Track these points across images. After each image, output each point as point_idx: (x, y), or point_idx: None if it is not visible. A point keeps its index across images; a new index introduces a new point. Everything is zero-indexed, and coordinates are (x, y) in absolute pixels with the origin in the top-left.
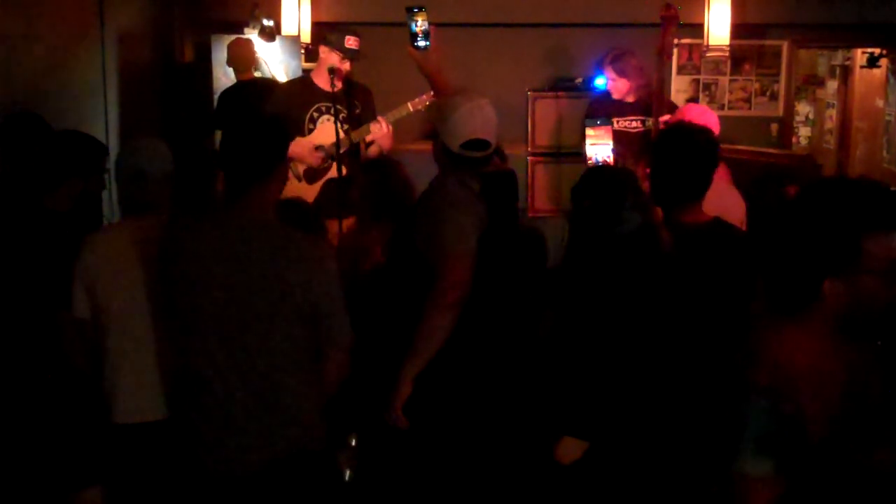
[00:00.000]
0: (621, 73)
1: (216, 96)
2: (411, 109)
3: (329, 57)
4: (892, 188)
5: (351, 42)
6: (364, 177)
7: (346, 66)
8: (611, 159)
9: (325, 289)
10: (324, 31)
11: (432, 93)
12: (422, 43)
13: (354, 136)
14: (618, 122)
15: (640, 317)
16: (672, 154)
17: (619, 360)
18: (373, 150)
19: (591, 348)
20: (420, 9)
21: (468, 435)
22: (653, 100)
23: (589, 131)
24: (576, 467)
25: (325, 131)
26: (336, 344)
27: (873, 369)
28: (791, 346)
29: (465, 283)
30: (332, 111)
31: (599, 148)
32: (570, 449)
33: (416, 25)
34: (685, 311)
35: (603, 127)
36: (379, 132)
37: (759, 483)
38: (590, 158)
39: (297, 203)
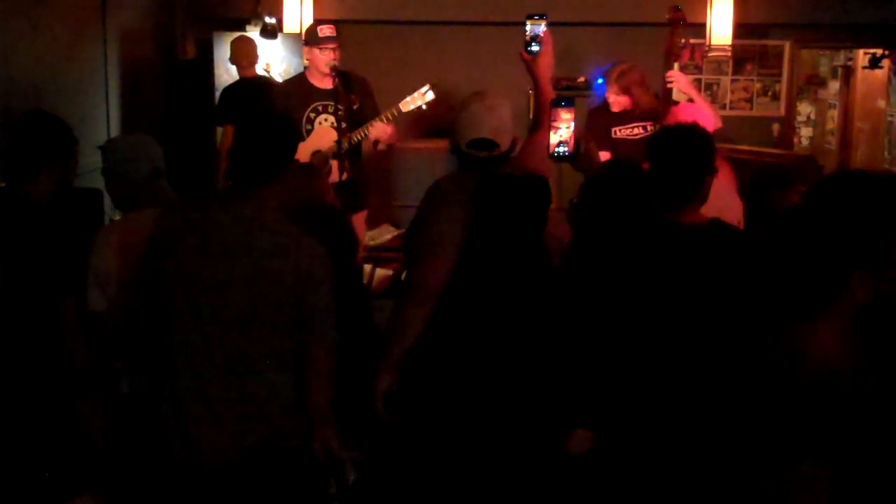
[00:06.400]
0: (625, 90)
1: (218, 93)
2: (419, 103)
3: (315, 56)
4: None
5: (324, 30)
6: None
7: (331, 56)
8: (571, 139)
9: (317, 288)
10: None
11: (428, 86)
12: (534, 48)
13: (352, 136)
14: (619, 130)
15: (649, 311)
16: (668, 155)
17: (627, 351)
18: (381, 147)
19: (601, 340)
20: (540, 16)
21: (464, 430)
22: (660, 104)
23: (561, 113)
24: (586, 459)
25: (323, 133)
26: (321, 344)
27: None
28: (830, 345)
29: (434, 279)
30: (329, 110)
31: (562, 131)
32: (581, 441)
33: (527, 30)
34: (686, 310)
35: (566, 108)
36: (382, 133)
37: (808, 480)
38: (553, 145)
39: (320, 207)
